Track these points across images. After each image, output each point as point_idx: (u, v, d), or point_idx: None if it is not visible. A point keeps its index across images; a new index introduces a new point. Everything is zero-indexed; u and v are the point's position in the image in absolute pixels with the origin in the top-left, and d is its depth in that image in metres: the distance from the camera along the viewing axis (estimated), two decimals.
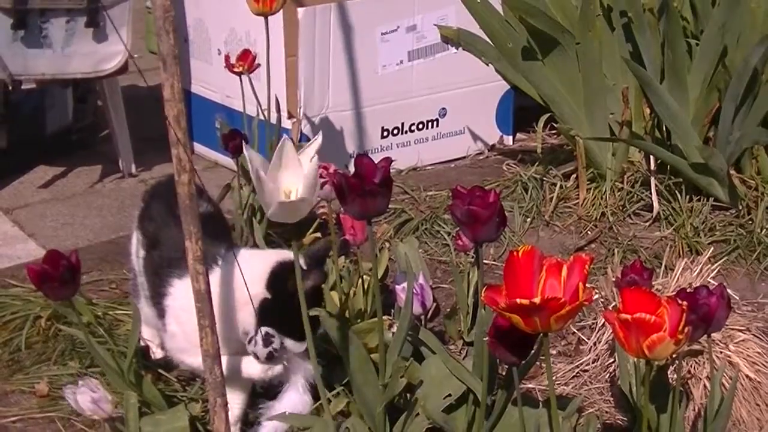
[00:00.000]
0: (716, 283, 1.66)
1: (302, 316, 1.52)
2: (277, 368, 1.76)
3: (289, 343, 1.72)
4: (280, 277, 1.70)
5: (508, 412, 1.58)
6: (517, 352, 1.42)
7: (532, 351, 1.47)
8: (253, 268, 1.71)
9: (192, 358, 1.74)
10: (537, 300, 1.22)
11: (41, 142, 3.19)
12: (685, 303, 1.30)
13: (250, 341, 1.72)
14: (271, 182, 1.41)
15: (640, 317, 1.27)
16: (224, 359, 1.67)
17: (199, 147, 3.18)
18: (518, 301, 1.22)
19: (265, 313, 1.71)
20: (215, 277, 1.70)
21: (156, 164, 3.06)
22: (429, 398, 1.59)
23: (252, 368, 1.76)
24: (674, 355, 1.76)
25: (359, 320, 1.99)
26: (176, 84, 1.51)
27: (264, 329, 1.70)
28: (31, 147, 3.14)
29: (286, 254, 1.75)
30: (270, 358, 1.72)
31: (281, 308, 1.68)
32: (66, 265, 1.65)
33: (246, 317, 1.72)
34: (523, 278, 1.28)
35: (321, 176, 1.93)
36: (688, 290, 1.57)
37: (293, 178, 1.43)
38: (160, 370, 1.96)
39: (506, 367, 1.58)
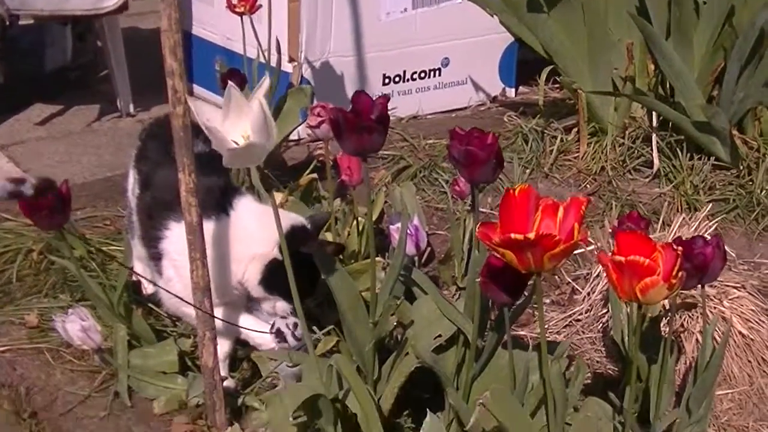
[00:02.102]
0: None
1: (304, 281, 1.53)
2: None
3: (281, 304, 1.73)
4: (292, 242, 1.63)
5: (497, 355, 1.57)
6: (509, 292, 1.42)
7: (525, 292, 1.46)
8: (266, 227, 1.66)
9: (190, 308, 1.73)
10: (531, 235, 1.20)
11: (39, 80, 3.16)
12: (680, 248, 1.28)
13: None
14: (221, 130, 1.35)
15: (633, 260, 1.25)
16: (219, 311, 1.66)
17: (199, 89, 3.15)
18: (512, 236, 1.20)
19: (271, 275, 1.70)
20: (221, 226, 1.70)
21: (154, 105, 3.04)
22: (419, 338, 1.58)
23: (264, 340, 1.77)
24: (667, 307, 1.75)
25: (353, 261, 1.98)
26: (174, 14, 1.49)
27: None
28: (29, 84, 3.12)
29: (296, 218, 1.73)
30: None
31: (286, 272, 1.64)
32: (56, 194, 1.64)
33: (240, 269, 1.71)
34: (518, 216, 1.26)
35: (318, 115, 1.92)
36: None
37: (246, 123, 1.37)
38: (151, 305, 1.95)
39: (498, 311, 1.56)
